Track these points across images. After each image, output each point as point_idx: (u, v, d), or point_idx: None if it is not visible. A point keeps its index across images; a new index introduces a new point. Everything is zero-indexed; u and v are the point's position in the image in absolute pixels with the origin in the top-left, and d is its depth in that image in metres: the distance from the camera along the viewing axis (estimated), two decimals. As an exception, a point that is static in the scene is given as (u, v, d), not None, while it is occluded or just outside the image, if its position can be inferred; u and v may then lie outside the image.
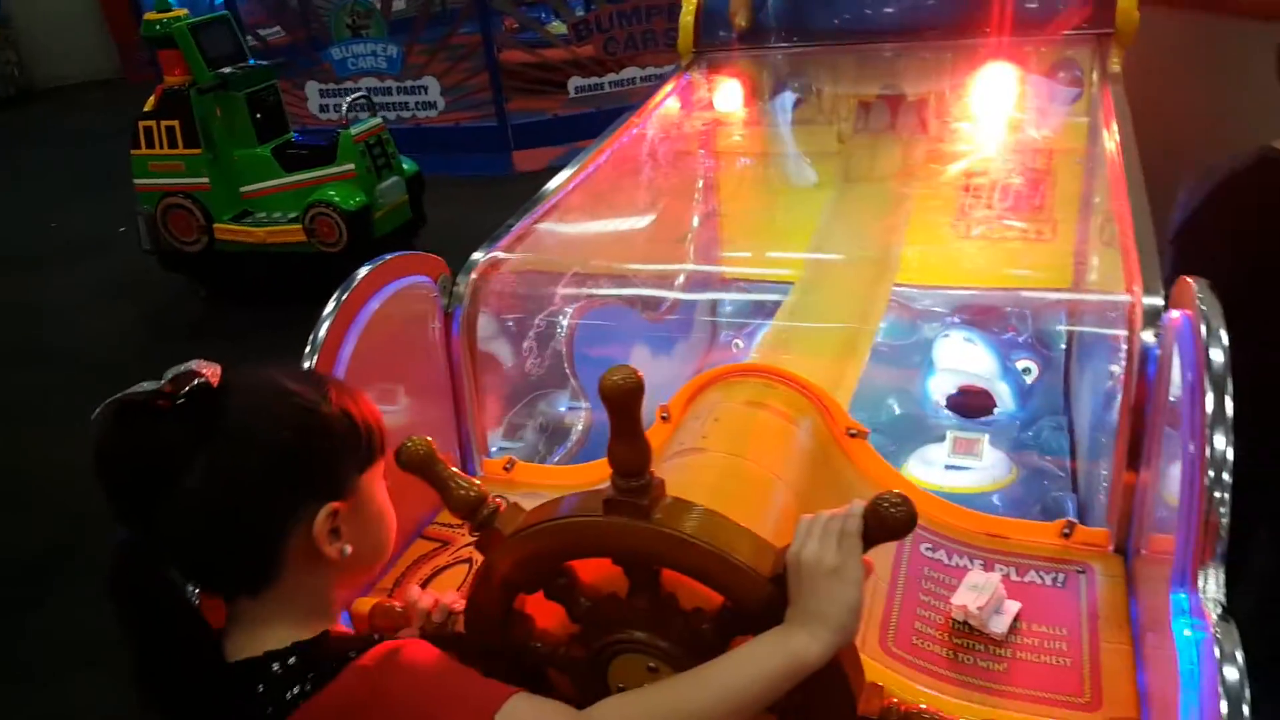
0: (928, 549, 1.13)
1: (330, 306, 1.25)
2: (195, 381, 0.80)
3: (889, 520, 0.80)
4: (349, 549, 0.86)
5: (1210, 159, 3.41)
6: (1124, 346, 1.27)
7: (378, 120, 4.12)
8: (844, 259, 1.85)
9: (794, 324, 1.55)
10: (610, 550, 0.86)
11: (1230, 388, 0.83)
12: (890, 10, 2.26)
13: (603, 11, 5.88)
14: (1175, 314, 1.00)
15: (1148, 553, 1.06)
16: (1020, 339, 2.31)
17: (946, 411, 2.22)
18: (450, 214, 4.84)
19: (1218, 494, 0.81)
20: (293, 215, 3.98)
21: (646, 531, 0.82)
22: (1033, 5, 2.16)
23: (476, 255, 1.43)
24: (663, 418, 1.28)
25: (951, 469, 1.88)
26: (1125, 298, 1.12)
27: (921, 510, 1.20)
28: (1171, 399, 1.00)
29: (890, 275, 1.78)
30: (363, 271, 1.29)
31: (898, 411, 2.24)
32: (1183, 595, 0.83)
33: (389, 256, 1.33)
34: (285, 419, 0.83)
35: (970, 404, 2.22)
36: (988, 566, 1.10)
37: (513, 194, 1.74)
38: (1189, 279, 0.98)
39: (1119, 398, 1.31)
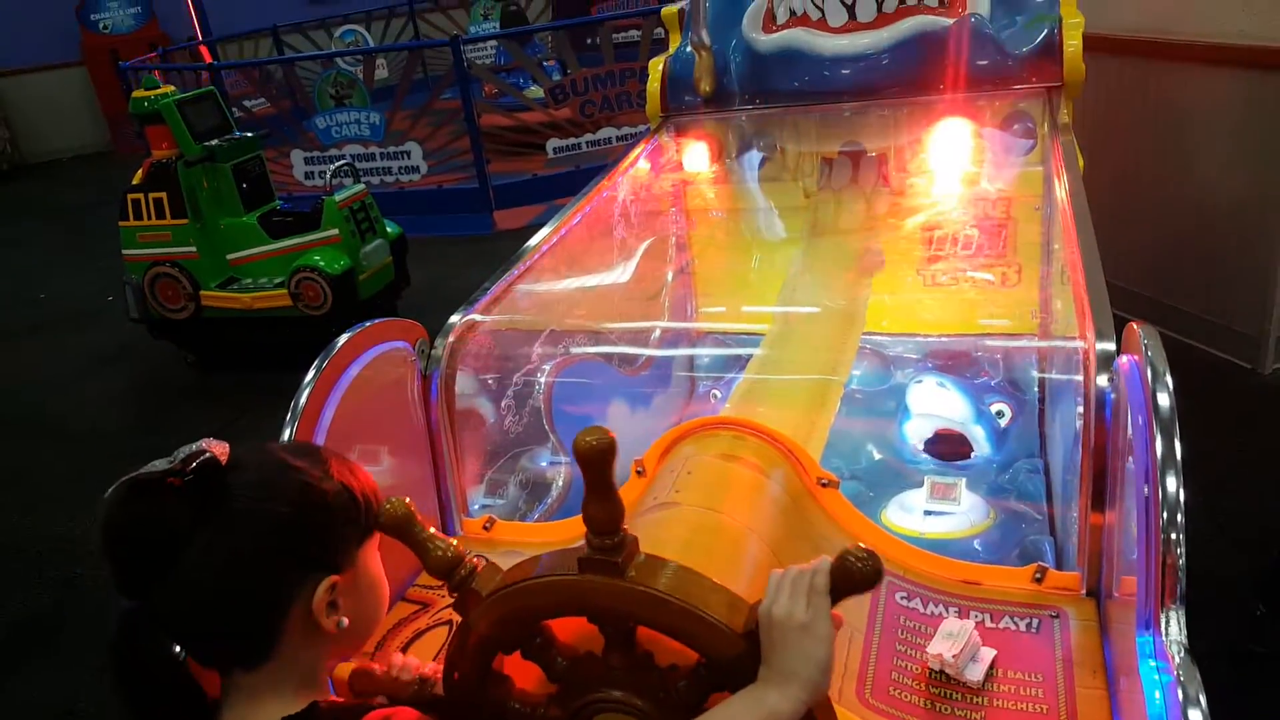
0: (903, 598, 1.15)
1: (311, 374, 1.28)
2: (203, 459, 0.82)
3: (856, 575, 0.82)
4: (345, 621, 0.87)
5: (1160, 199, 3.51)
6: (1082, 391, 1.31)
7: (361, 186, 4.19)
8: (813, 311, 1.88)
9: (765, 376, 1.58)
10: (585, 609, 0.87)
11: (1177, 430, 0.86)
12: (847, 71, 2.33)
13: (578, 75, 6.04)
14: (1124, 359, 1.04)
15: (1119, 595, 1.08)
16: (993, 383, 2.35)
17: (924, 456, 2.25)
18: (435, 273, 4.90)
19: (1173, 535, 0.83)
20: (279, 280, 4.02)
21: (620, 589, 0.84)
22: (984, 63, 2.23)
23: (453, 319, 1.47)
24: (638, 472, 1.30)
25: (930, 514, 1.90)
26: (1079, 343, 1.15)
27: (896, 558, 1.22)
28: (1128, 437, 1.02)
29: (859, 325, 1.83)
30: (342, 339, 1.32)
31: (876, 458, 2.27)
32: (1147, 638, 0.85)
33: (368, 324, 1.36)
34: (287, 494, 0.85)
35: (947, 448, 2.26)
36: (962, 614, 1.12)
37: (495, 252, 1.79)
38: (1135, 323, 1.02)
39: (1080, 440, 1.35)
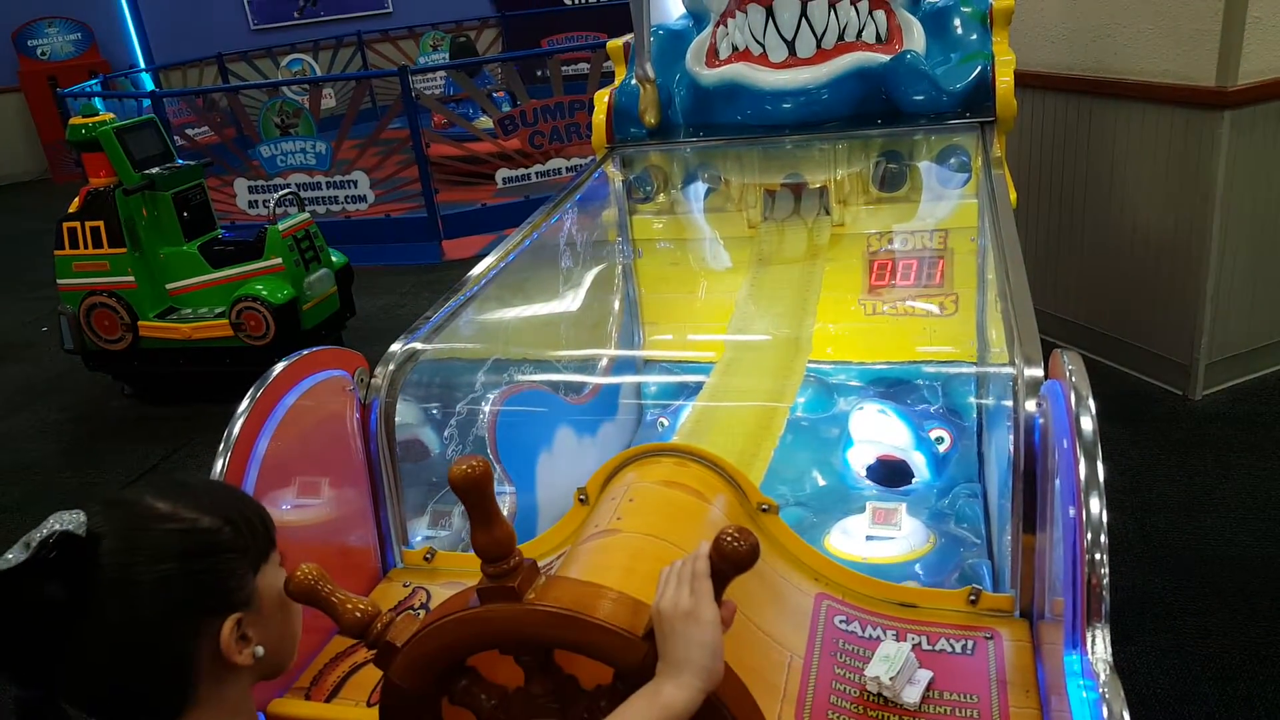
0: (841, 621, 1.16)
1: (245, 403, 1.26)
2: (58, 537, 0.76)
3: (732, 554, 0.81)
4: (261, 650, 0.85)
5: (1095, 231, 3.62)
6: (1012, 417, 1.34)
7: (305, 215, 4.15)
8: (760, 340, 1.91)
9: (711, 404, 1.59)
10: (491, 639, 0.86)
11: (1099, 453, 0.88)
12: (788, 105, 2.39)
13: (528, 107, 6.07)
14: (1053, 385, 1.07)
15: (1050, 616, 1.10)
16: (932, 410, 2.40)
17: (866, 482, 2.29)
18: (383, 303, 4.86)
19: (1097, 556, 0.85)
20: (220, 310, 3.95)
21: (519, 613, 0.83)
22: (919, 98, 2.30)
23: (394, 347, 1.46)
24: (580, 500, 1.30)
25: (872, 539, 1.92)
26: (1009, 370, 1.18)
27: (835, 581, 1.24)
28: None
29: (804, 353, 1.85)
30: (278, 368, 1.30)
31: (820, 484, 2.29)
32: (1075, 657, 0.87)
33: (305, 352, 1.34)
34: (162, 549, 0.80)
35: (889, 474, 2.29)
36: (900, 636, 1.13)
37: (443, 281, 1.79)
38: (1060, 350, 1.05)
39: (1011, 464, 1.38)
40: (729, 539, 0.81)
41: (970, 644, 1.12)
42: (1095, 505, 0.86)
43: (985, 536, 1.90)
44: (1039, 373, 1.14)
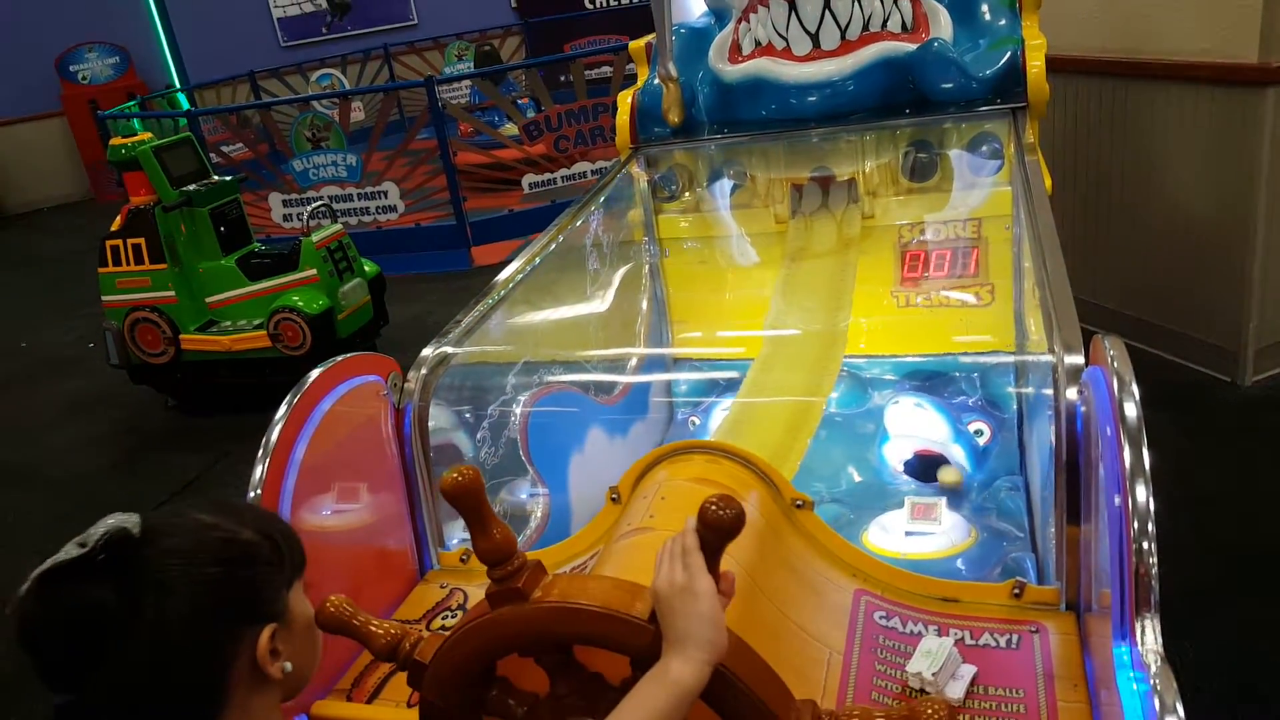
0: (881, 617, 1.14)
1: (281, 410, 1.26)
2: (116, 535, 0.79)
3: (717, 522, 0.81)
4: (289, 665, 0.86)
5: (1134, 216, 3.54)
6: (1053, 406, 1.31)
7: (338, 226, 4.20)
8: (795, 334, 1.89)
9: (746, 401, 1.58)
10: (505, 643, 0.85)
11: (1144, 439, 0.86)
12: (813, 99, 2.37)
13: (552, 112, 6.09)
14: (1094, 372, 1.04)
15: (1097, 608, 1.07)
16: (970, 402, 2.36)
17: (904, 476, 2.25)
18: (415, 310, 4.90)
19: (1144, 545, 0.83)
20: (258, 322, 4.01)
21: (526, 613, 0.83)
22: (948, 86, 2.26)
23: (426, 351, 1.46)
24: (612, 499, 1.29)
25: (911, 535, 1.89)
26: (1049, 358, 1.16)
27: (874, 576, 1.22)
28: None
29: (839, 348, 1.83)
30: (314, 375, 1.31)
31: (856, 479, 2.26)
32: (1124, 649, 0.84)
33: (339, 359, 1.35)
34: (210, 553, 0.82)
35: (926, 467, 2.26)
36: (942, 631, 1.11)
37: (473, 288, 1.79)
38: (1100, 335, 1.02)
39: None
40: (712, 508, 0.81)
41: (1015, 638, 1.09)
42: (1141, 492, 0.84)
43: (1028, 530, 1.86)
44: (1079, 360, 1.12)
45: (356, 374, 1.34)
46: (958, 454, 2.24)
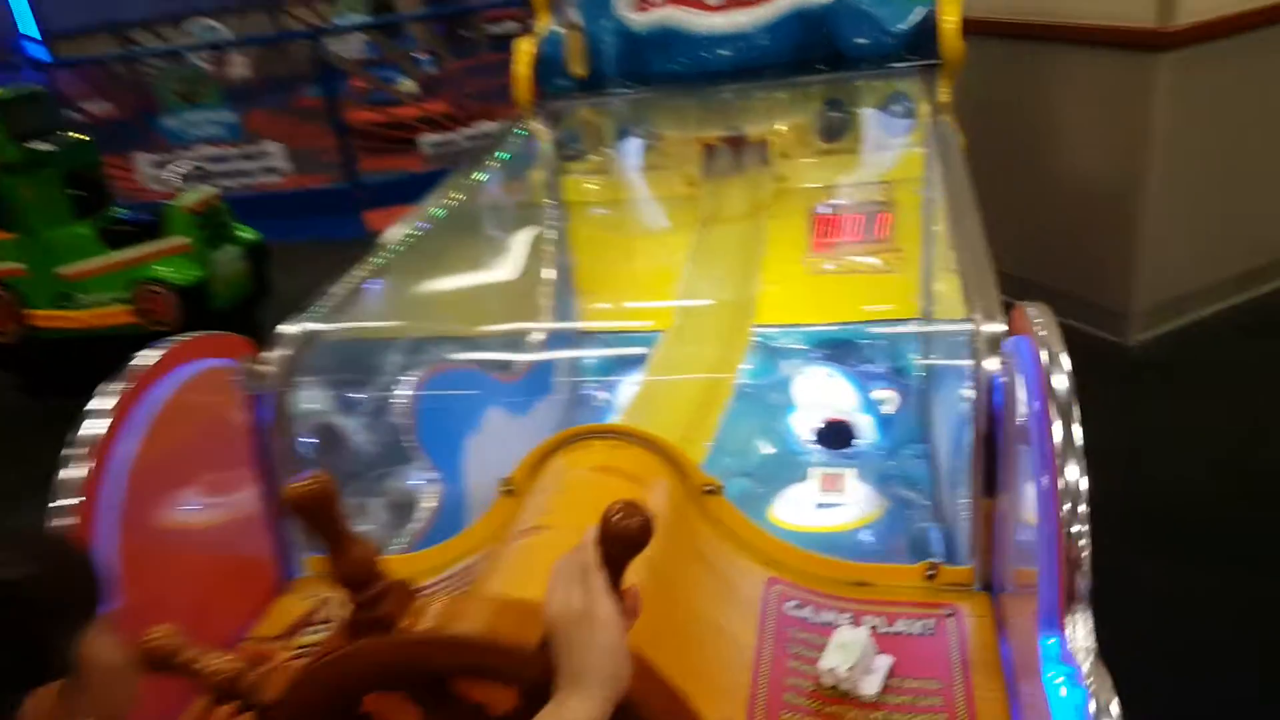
0: (793, 606, 1.06)
1: (96, 401, 1.08)
2: None
3: (620, 534, 0.71)
4: None
5: (1031, 180, 3.57)
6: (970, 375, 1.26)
7: (212, 190, 3.90)
8: (705, 306, 1.80)
9: (653, 379, 1.48)
10: (369, 680, 0.74)
11: (1076, 414, 0.79)
12: (726, 53, 2.27)
13: (453, 68, 5.83)
14: (1015, 340, 0.98)
15: (1014, 588, 1.02)
16: (877, 370, 2.33)
17: (813, 446, 2.20)
18: (302, 281, 4.57)
19: (1076, 528, 0.76)
20: (121, 295, 3.70)
21: (392, 646, 0.72)
22: (862, 41, 2.20)
23: (286, 328, 1.30)
24: (506, 491, 1.18)
25: (821, 507, 1.84)
26: (967, 326, 1.09)
27: (785, 563, 1.14)
28: (1020, 422, 0.97)
29: (749, 319, 1.75)
30: (142, 359, 1.13)
31: (765, 452, 2.19)
32: (1053, 641, 0.79)
33: (180, 339, 1.18)
34: None
35: (834, 436, 2.22)
36: (856, 619, 1.04)
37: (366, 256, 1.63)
38: (1024, 304, 0.96)
39: (969, 425, 1.30)
40: (615, 518, 0.71)
41: (930, 623, 1.04)
42: (1073, 471, 0.78)
43: (934, 499, 1.84)
44: (999, 328, 1.06)
45: (200, 356, 1.18)
46: (865, 423, 2.20)
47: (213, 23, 9.79)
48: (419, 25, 7.82)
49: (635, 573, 0.87)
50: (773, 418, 2.25)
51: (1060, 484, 0.78)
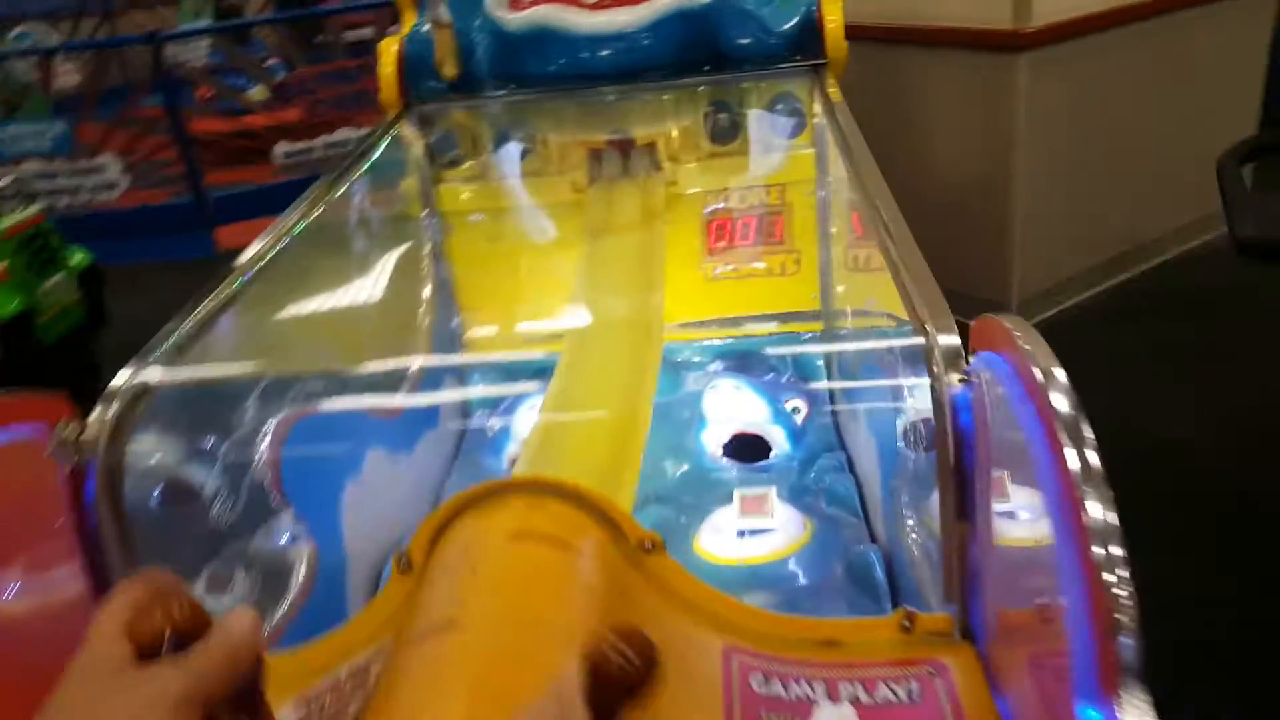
0: (760, 682, 0.91)
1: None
2: None
3: (623, 677, 0.55)
4: None
5: (905, 181, 3.61)
6: (910, 394, 1.15)
7: (35, 209, 3.46)
8: (606, 323, 1.63)
9: (559, 415, 1.30)
10: None
11: (1091, 440, 0.68)
12: (606, 53, 2.14)
13: (305, 73, 5.48)
14: (988, 357, 0.86)
15: (1001, 630, 0.91)
16: (783, 379, 2.23)
17: (724, 461, 2.08)
18: (143, 306, 4.17)
19: (1117, 579, 0.64)
20: (-70, 332, 3.23)
21: None
22: (745, 41, 2.10)
23: (116, 381, 1.06)
24: (401, 568, 0.98)
25: (745, 535, 1.71)
26: (918, 340, 0.97)
27: (741, 625, 0.99)
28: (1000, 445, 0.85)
29: (657, 335, 1.60)
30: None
31: (677, 472, 2.05)
32: (1092, 713, 0.66)
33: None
34: None
35: (744, 449, 2.11)
36: (831, 689, 0.90)
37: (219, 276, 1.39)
38: (994, 316, 0.85)
39: (912, 445, 1.19)
40: (613, 655, 0.55)
41: (915, 686, 0.90)
42: (1097, 507, 0.65)
43: (862, 515, 1.74)
44: (955, 340, 0.94)
45: (5, 422, 0.93)
46: (777, 435, 2.10)
47: (39, 29, 8.96)
48: (269, 31, 7.36)
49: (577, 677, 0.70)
50: (680, 435, 2.11)
51: (1086, 521, 0.65)
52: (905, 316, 1.07)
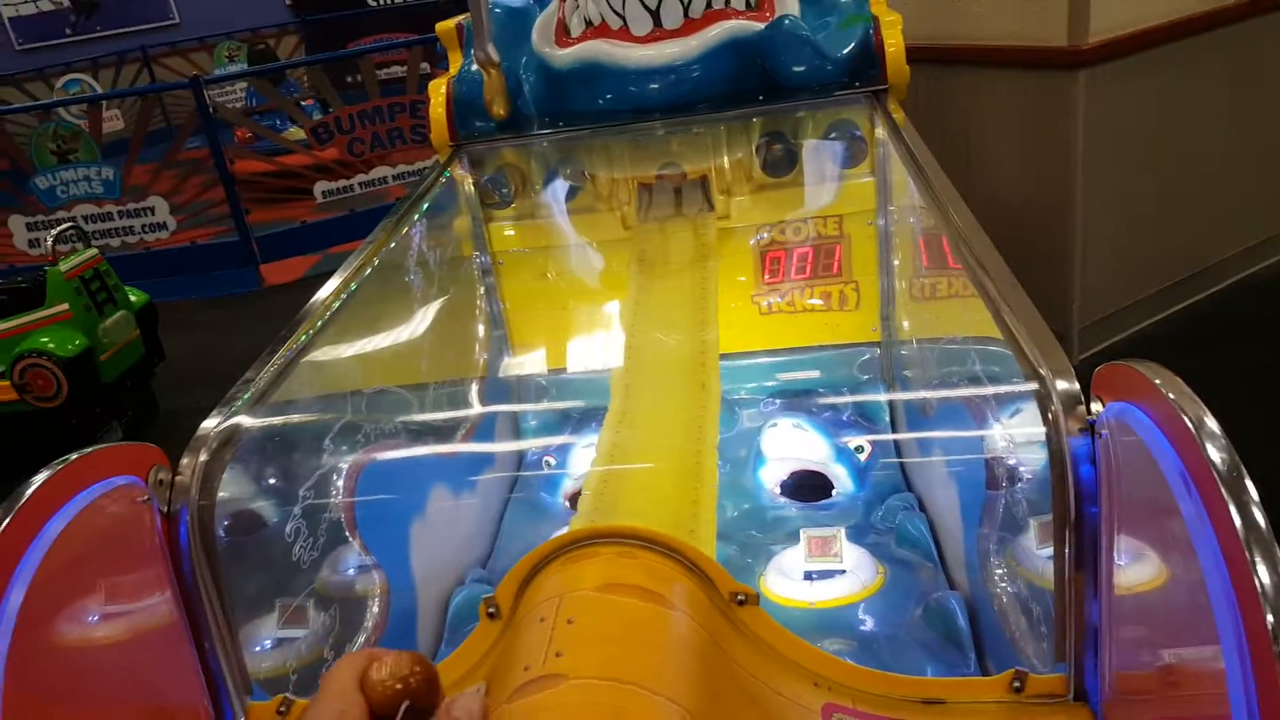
0: (862, 741, 0.87)
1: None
2: None
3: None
4: None
5: (972, 205, 3.54)
6: (1010, 438, 1.10)
7: (93, 251, 3.53)
8: (659, 365, 1.60)
9: (617, 467, 1.27)
10: None
11: (1253, 497, 0.63)
12: (655, 86, 2.12)
13: (342, 113, 5.55)
14: (1119, 407, 0.82)
15: (1121, 691, 0.86)
16: (844, 417, 2.19)
17: (783, 499, 2.04)
18: (197, 342, 4.25)
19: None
20: (-1, 370, 3.31)
21: None
22: (800, 69, 2.07)
23: (206, 425, 1.05)
24: (489, 614, 0.96)
25: (813, 578, 1.66)
26: (1029, 386, 0.93)
27: (839, 682, 0.95)
28: (1131, 500, 0.81)
29: (715, 375, 1.56)
30: (33, 486, 0.89)
31: (732, 513, 2.01)
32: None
33: (73, 458, 0.93)
34: None
35: (804, 488, 2.06)
36: (942, 754, 0.86)
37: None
38: (1128, 363, 0.80)
39: (998, 491, 1.14)
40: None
41: (1032, 750, 0.86)
42: (1268, 573, 0.61)
43: (938, 559, 1.68)
44: (1074, 387, 0.90)
45: (102, 475, 0.93)
46: (840, 473, 2.05)
47: (85, 78, 9.25)
48: (303, 72, 7.51)
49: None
50: (736, 473, 2.07)
51: (1256, 586, 0.61)
52: (991, 353, 1.03)
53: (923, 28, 3.27)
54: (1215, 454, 0.66)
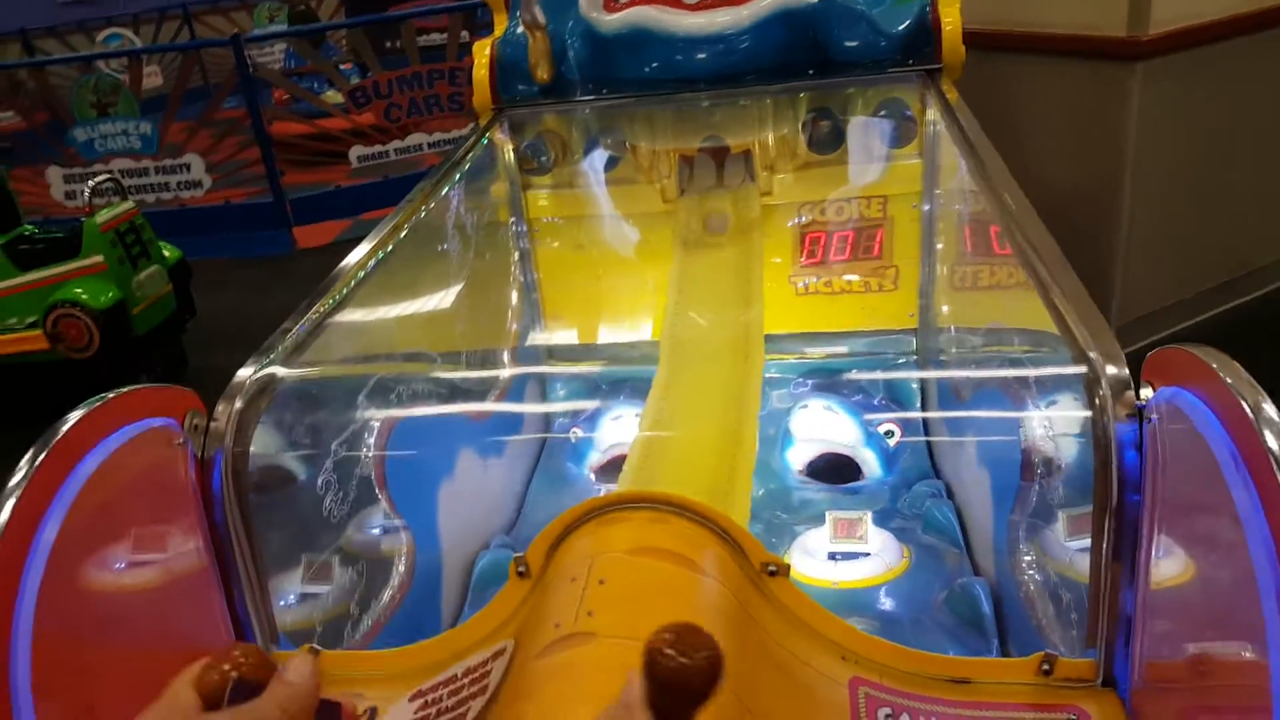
0: (888, 717, 0.87)
1: (18, 476, 0.85)
2: None
3: (675, 681, 0.53)
4: None
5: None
6: (1049, 424, 1.08)
7: (129, 204, 3.57)
8: (704, 338, 1.59)
9: (662, 433, 1.26)
10: None
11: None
12: (703, 55, 2.08)
13: (380, 78, 5.55)
14: (1171, 392, 0.80)
15: (1151, 679, 0.85)
16: (875, 401, 2.16)
17: (809, 481, 2.03)
18: (227, 301, 4.29)
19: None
20: (31, 320, 3.36)
21: None
22: (853, 44, 2.04)
23: (243, 373, 1.06)
24: (519, 573, 0.96)
25: (837, 559, 1.65)
26: (1077, 369, 0.91)
27: (867, 657, 0.94)
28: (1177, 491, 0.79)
29: (758, 352, 1.55)
30: (69, 422, 0.90)
31: (758, 492, 2.00)
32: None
33: (110, 396, 0.94)
34: None
35: (831, 470, 2.04)
36: (970, 734, 0.85)
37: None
38: (1183, 347, 0.78)
39: (1029, 475, 1.13)
40: (665, 657, 0.53)
41: (1059, 734, 0.85)
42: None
43: (964, 545, 1.67)
44: (1123, 371, 0.88)
45: (137, 416, 0.94)
46: (869, 457, 2.03)
47: (126, 32, 9.30)
48: (343, 35, 7.51)
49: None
50: (765, 452, 2.06)
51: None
52: (1038, 338, 1.01)
53: (976, 11, 3.20)
54: (1274, 440, 0.64)
